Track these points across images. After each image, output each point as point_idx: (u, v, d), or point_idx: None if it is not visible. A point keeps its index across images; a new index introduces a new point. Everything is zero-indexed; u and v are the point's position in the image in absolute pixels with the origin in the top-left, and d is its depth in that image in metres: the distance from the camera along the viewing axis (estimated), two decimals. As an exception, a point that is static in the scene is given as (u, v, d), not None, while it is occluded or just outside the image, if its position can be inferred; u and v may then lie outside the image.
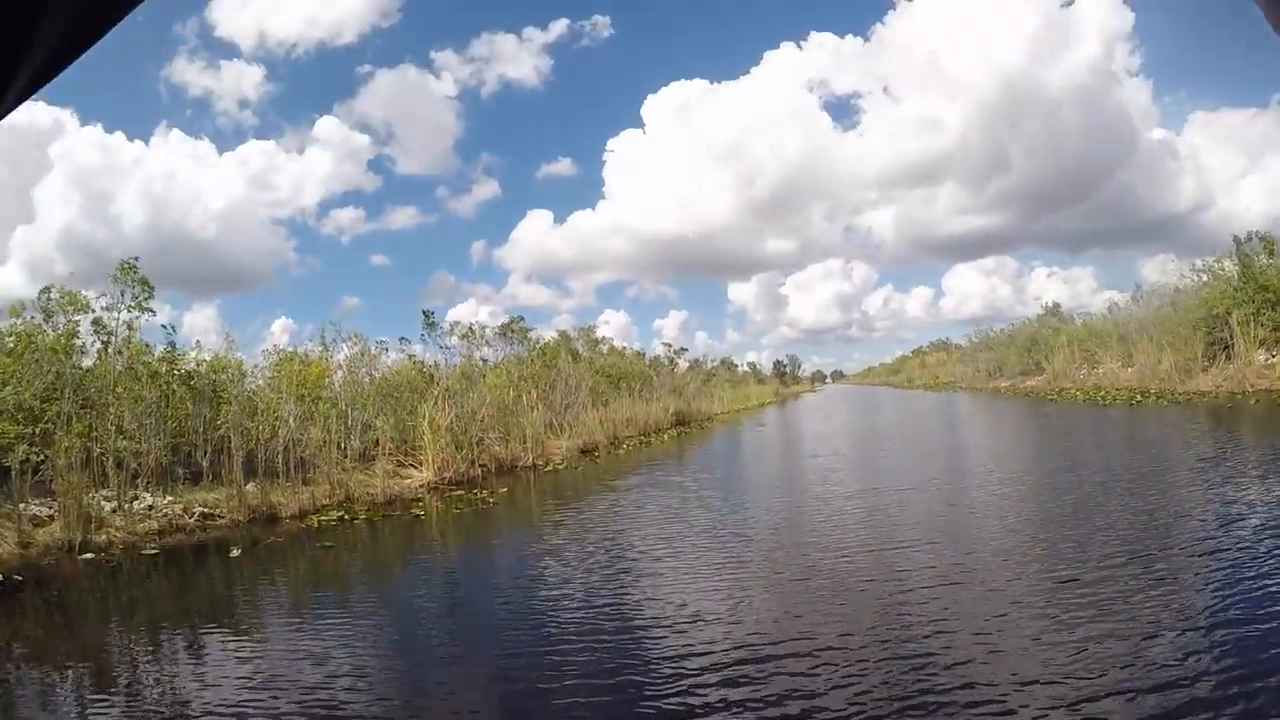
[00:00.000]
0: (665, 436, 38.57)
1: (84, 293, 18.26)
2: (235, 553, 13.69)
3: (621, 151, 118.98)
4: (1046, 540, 9.62)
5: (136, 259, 18.60)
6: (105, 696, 6.97)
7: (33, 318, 17.69)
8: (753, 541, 11.31)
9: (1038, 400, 35.92)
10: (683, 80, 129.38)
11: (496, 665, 7.03)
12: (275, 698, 6.40)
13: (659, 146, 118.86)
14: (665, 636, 7.16)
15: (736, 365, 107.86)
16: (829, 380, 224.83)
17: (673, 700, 5.66)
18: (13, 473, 14.28)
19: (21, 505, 14.12)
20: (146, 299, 18.76)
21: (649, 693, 5.84)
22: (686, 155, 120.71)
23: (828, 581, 8.49)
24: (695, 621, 7.47)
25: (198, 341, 21.41)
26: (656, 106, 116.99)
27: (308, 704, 6.20)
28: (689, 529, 12.77)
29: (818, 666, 5.98)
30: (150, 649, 8.78)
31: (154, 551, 14.01)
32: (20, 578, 11.97)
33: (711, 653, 6.55)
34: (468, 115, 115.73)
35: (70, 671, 7.95)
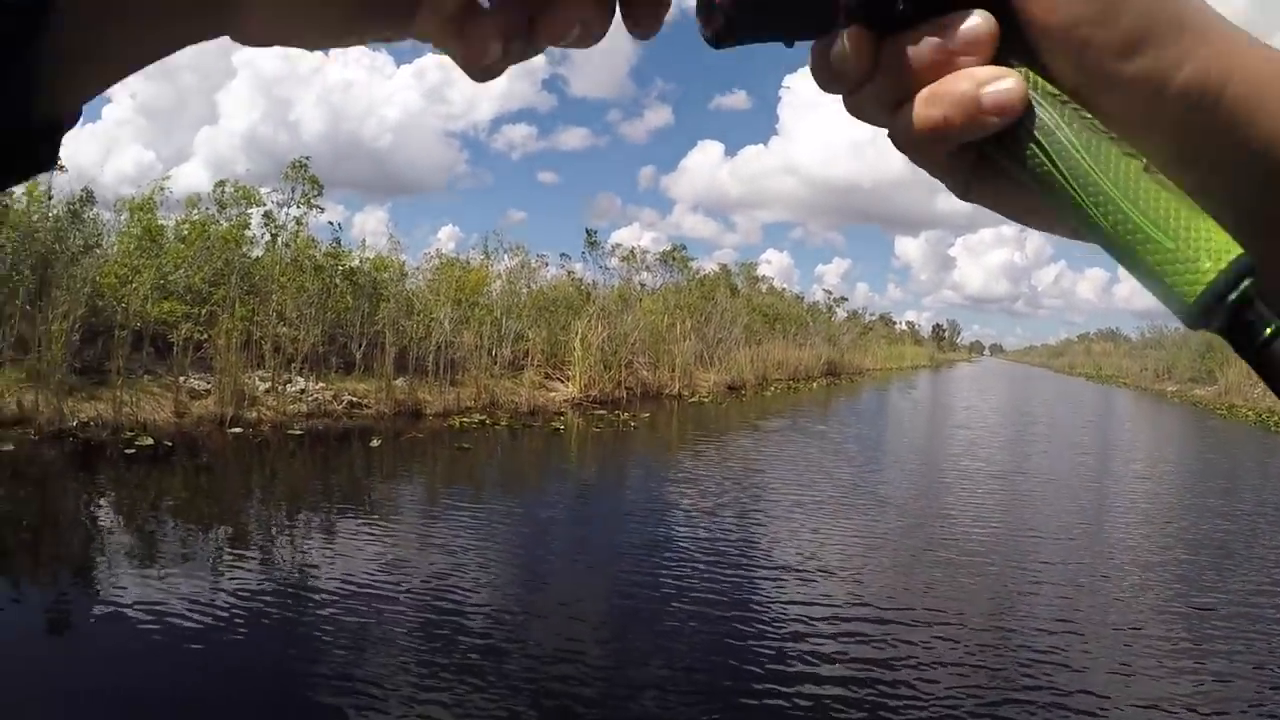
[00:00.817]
0: (814, 385, 37.29)
1: (257, 188, 18.68)
2: (376, 443, 13.60)
3: (798, 89, 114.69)
4: (1189, 563, 8.53)
5: (307, 158, 18.86)
6: (238, 555, 7.11)
7: (207, 209, 18.24)
8: (888, 504, 10.61)
9: (1204, 412, 32.23)
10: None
11: (614, 582, 6.86)
12: (398, 580, 6.39)
13: None
14: (784, 582, 6.82)
15: (895, 322, 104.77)
16: (987, 353, 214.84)
17: (777, 645, 5.35)
18: (175, 348, 14.67)
19: (181, 378, 14.53)
20: (315, 196, 19.04)
21: (757, 632, 5.56)
22: None
23: (956, 557, 7.90)
24: (817, 573, 7.12)
25: (364, 240, 21.57)
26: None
27: (428, 589, 6.17)
28: (826, 480, 12.11)
29: (930, 640, 5.59)
30: (285, 520, 8.82)
31: (299, 432, 14.12)
32: (171, 444, 12.19)
33: (828, 606, 6.23)
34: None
35: (209, 532, 8.02)
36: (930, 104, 0.35)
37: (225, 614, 5.49)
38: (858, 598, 6.44)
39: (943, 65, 0.34)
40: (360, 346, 18.18)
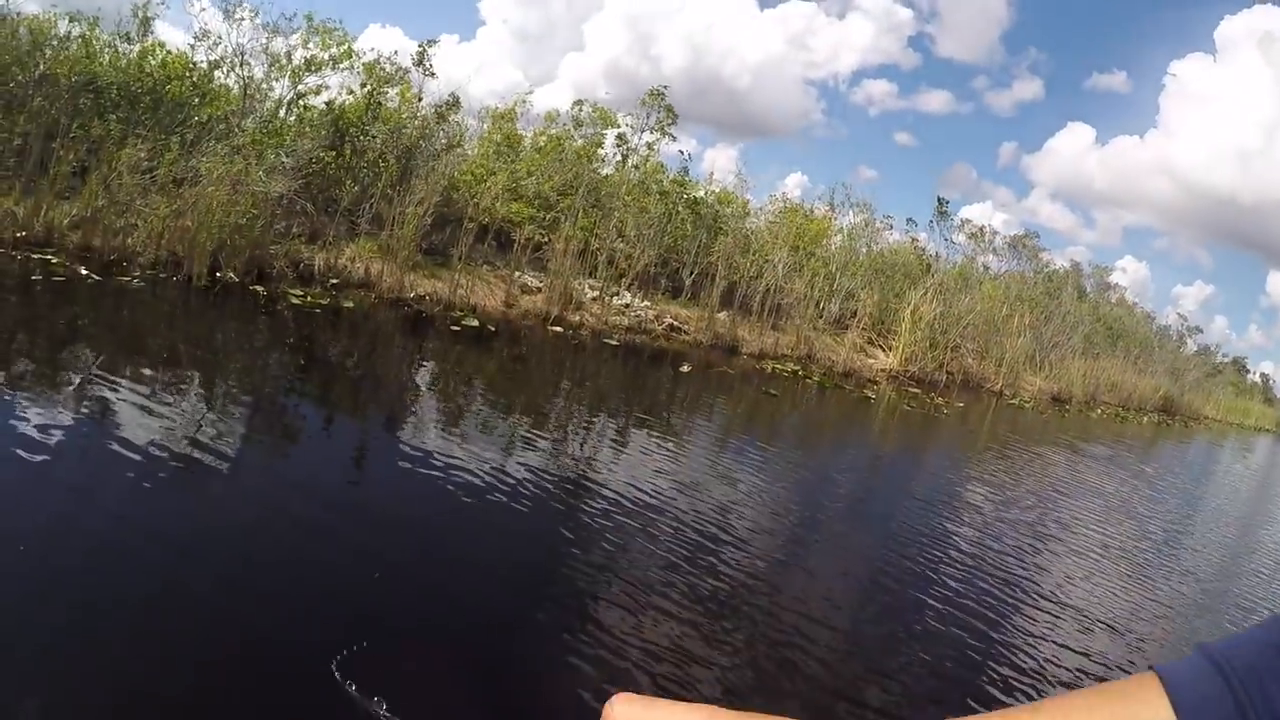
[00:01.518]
0: (1144, 419, 33.26)
1: (613, 110, 18.73)
2: (687, 368, 13.25)
3: (1185, 77, 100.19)
4: None
5: (666, 87, 18.66)
6: (528, 439, 7.21)
7: (564, 125, 18.50)
8: (1190, 574, 9.10)
9: None
10: (1271, 3, 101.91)
11: (869, 563, 6.50)
12: (666, 500, 6.29)
13: (1231, 81, 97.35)
14: (1052, 619, 6.08)
15: (1248, 370, 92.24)
16: None
17: (1015, 675, 4.81)
18: (514, 245, 15.03)
19: (517, 273, 14.89)
20: (670, 124, 18.76)
21: (1004, 660, 5.03)
22: (1264, 98, 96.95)
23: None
24: (1083, 630, 6.19)
25: (712, 174, 21.35)
26: (1233, 31, 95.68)
27: (693, 517, 6.04)
28: (1126, 532, 10.57)
29: None
30: (580, 418, 8.81)
31: (615, 343, 13.98)
32: (495, 329, 12.50)
33: (1091, 661, 5.49)
34: (1020, 3, 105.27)
35: (507, 412, 8.26)
36: None
37: (502, 485, 5.64)
38: (1123, 655, 5.74)
39: None
40: (691, 274, 17.97)
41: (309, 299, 10.78)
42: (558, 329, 13.83)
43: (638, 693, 0.53)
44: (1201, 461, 26.56)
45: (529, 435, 7.30)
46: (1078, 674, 5.20)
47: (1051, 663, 5.25)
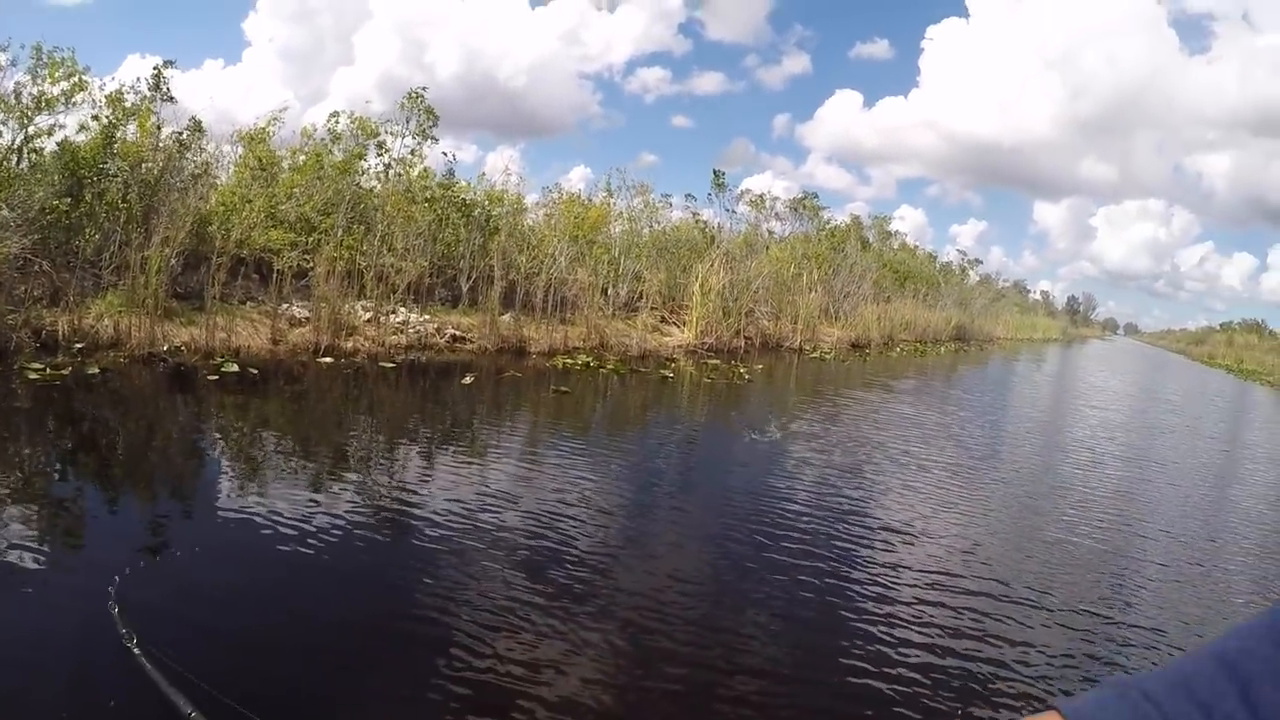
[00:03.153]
0: (942, 350, 34.52)
1: (370, 119, 17.49)
2: (469, 379, 12.28)
3: (941, 40, 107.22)
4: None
5: (424, 89, 17.62)
6: (306, 486, 6.55)
7: (322, 140, 17.18)
8: (1007, 477, 9.88)
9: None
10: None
11: (703, 534, 6.43)
12: (493, 509, 6.19)
13: (983, 40, 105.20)
14: (888, 544, 6.41)
15: (1029, 291, 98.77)
16: (1120, 331, 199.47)
17: (868, 602, 5.11)
18: (274, 275, 13.77)
19: (284, 306, 13.62)
20: (431, 126, 17.71)
21: (849, 590, 5.30)
22: (1012, 54, 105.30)
23: (1065, 535, 7.27)
24: (913, 541, 6.63)
25: (482, 173, 20.34)
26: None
27: (524, 522, 5.95)
28: (941, 451, 11.01)
29: (1013, 611, 5.25)
30: (360, 453, 8.11)
31: (392, 365, 12.93)
32: (257, 370, 11.26)
33: (919, 571, 5.85)
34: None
35: (269, 457, 7.52)
36: None
37: (296, 537, 5.20)
38: (943, 566, 6.02)
39: None
40: (469, 280, 16.86)
41: (48, 371, 9.42)
42: (327, 360, 12.61)
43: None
44: (1000, 376, 27.64)
45: (299, 486, 6.49)
46: (941, 594, 5.39)
47: (915, 592, 5.38)
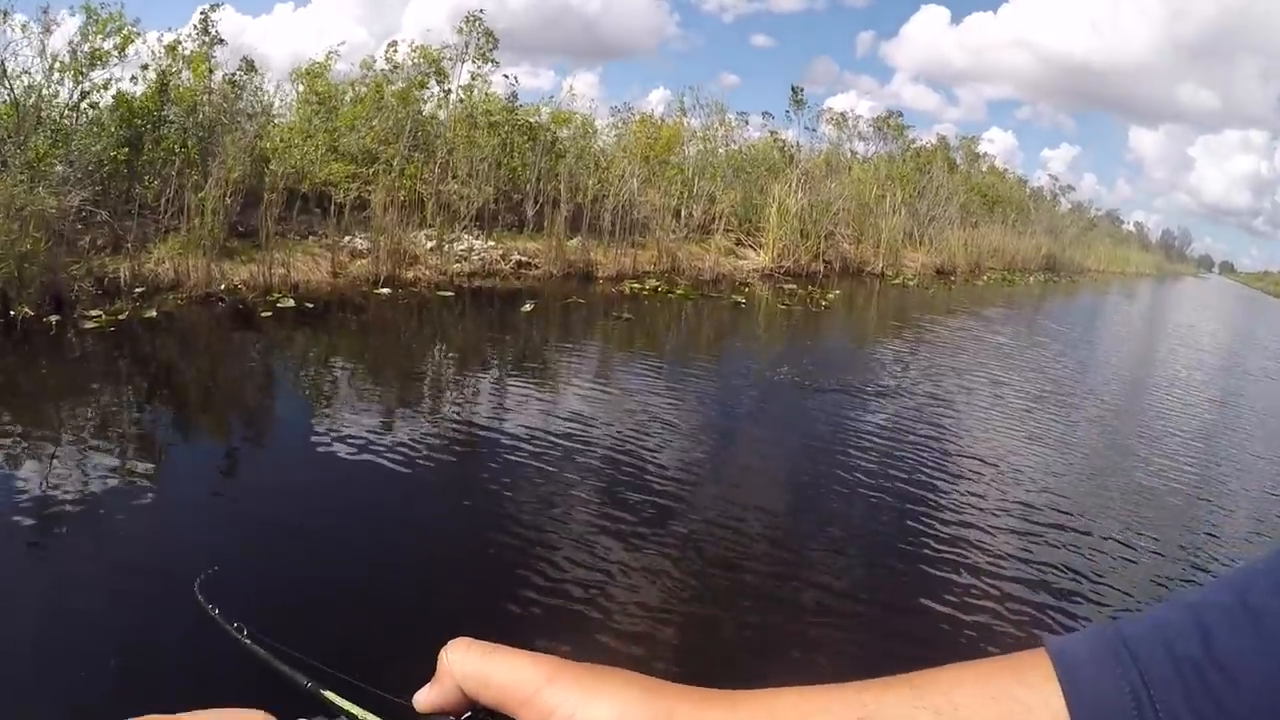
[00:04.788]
0: (1031, 279, 32.36)
1: (429, 45, 16.53)
2: (528, 307, 11.30)
3: None
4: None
5: (481, 11, 16.64)
6: (319, 418, 6.23)
7: (381, 71, 16.33)
8: (1087, 420, 9.06)
9: None
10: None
11: (794, 464, 6.05)
12: (561, 441, 5.77)
13: None
14: (958, 483, 5.93)
15: (1122, 221, 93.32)
16: (1216, 270, 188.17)
17: (944, 533, 4.83)
18: (332, 208, 13.06)
19: (346, 239, 12.91)
20: (491, 49, 16.68)
21: (926, 522, 4.97)
22: None
23: (1140, 480, 6.74)
24: (996, 475, 6.30)
25: (550, 96, 19.20)
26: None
27: (592, 452, 5.63)
28: (1027, 386, 10.40)
29: (1090, 547, 4.93)
30: (384, 384, 7.65)
31: (448, 294, 12.06)
32: (311, 305, 10.63)
33: (999, 504, 5.57)
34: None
35: (304, 393, 7.21)
36: None
37: (369, 465, 5.06)
38: (1041, 498, 5.78)
39: None
40: (535, 205, 15.86)
41: (104, 318, 8.89)
42: (385, 290, 11.83)
43: (486, 637, 0.49)
44: (1091, 310, 25.69)
45: (350, 422, 6.01)
46: (1020, 527, 5.11)
47: (994, 523, 5.13)
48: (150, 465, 4.99)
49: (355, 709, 0.48)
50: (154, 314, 9.52)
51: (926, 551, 4.54)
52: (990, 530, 4.98)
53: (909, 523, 4.90)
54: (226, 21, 14.02)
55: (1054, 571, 4.50)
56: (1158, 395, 11.12)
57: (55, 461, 4.89)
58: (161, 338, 8.93)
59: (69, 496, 4.32)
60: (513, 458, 5.35)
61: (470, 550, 4.07)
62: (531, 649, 0.45)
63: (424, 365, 8.46)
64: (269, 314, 9.98)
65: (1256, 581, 0.45)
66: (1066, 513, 5.51)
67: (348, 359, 8.61)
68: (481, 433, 5.92)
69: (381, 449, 5.31)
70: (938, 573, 4.27)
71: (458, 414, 6.50)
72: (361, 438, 5.49)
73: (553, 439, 5.73)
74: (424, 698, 0.49)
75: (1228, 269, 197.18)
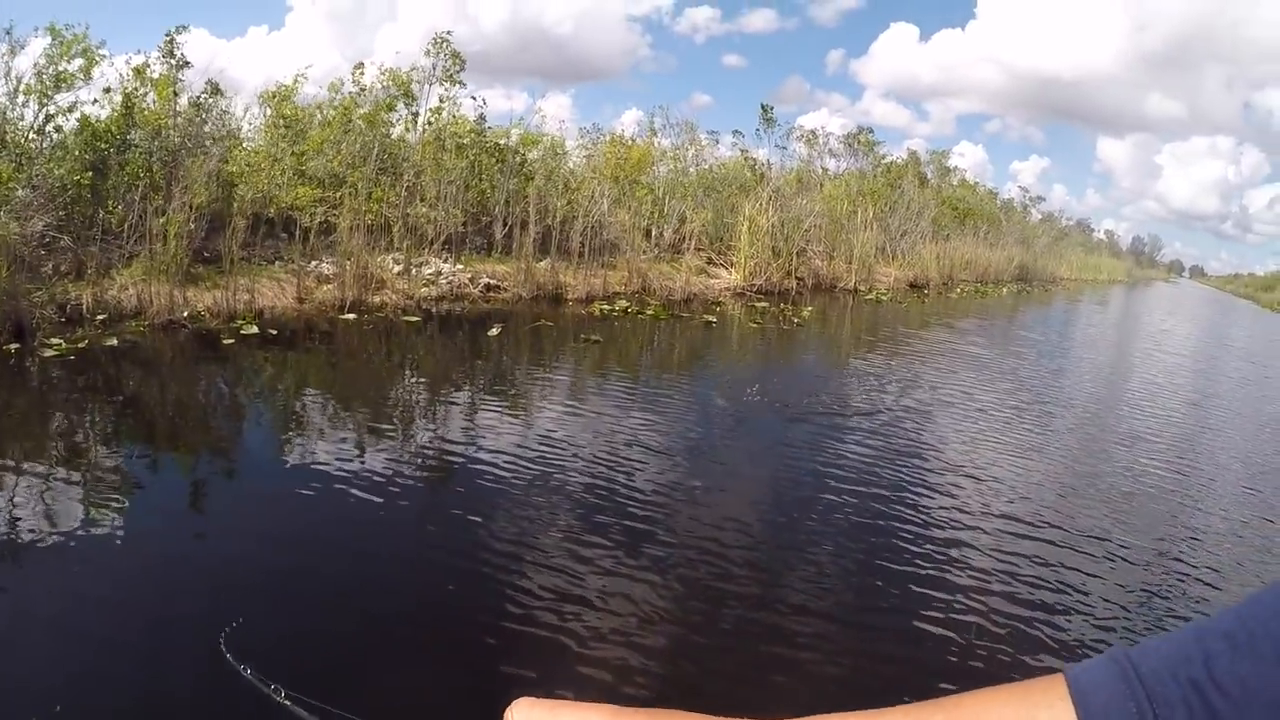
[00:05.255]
0: (1004, 290, 32.40)
1: (399, 68, 16.37)
2: (494, 331, 11.12)
3: None
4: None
5: (449, 32, 16.43)
6: (265, 446, 6.29)
7: (349, 94, 16.11)
8: (1066, 428, 8.99)
9: None
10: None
11: (771, 485, 5.98)
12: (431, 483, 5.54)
13: None
14: (937, 497, 5.84)
15: (1093, 230, 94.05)
16: (1186, 274, 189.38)
17: (927, 546, 4.80)
18: (296, 232, 12.99)
19: (313, 264, 12.72)
20: (458, 71, 16.46)
21: (907, 532, 4.98)
22: None
23: (1122, 486, 6.71)
24: (976, 486, 6.20)
25: (520, 118, 19.06)
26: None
27: (501, 482, 5.42)
28: (1004, 396, 10.33)
29: (1072, 557, 4.87)
30: (334, 412, 7.48)
31: (415, 319, 11.87)
32: (275, 331, 10.43)
33: (981, 516, 5.50)
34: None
35: (243, 422, 7.16)
36: None
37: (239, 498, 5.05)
38: (1022, 508, 5.73)
39: None
40: (504, 227, 15.66)
41: (65, 346, 8.76)
42: (350, 316, 11.64)
43: (544, 689, 0.50)
44: (1064, 318, 25.74)
45: (300, 451, 5.99)
46: (1003, 539, 5.06)
47: (976, 537, 5.06)
48: (112, 501, 4.81)
49: None
50: (115, 341, 9.35)
51: (912, 570, 4.48)
52: (976, 546, 4.92)
53: (892, 540, 4.84)
54: (199, 45, 13.85)
55: (1046, 586, 4.45)
56: (1134, 401, 11.11)
57: (14, 498, 4.74)
58: (122, 365, 8.71)
59: (32, 536, 4.21)
60: (479, 485, 5.30)
61: (468, 584, 3.97)
62: (532, 684, 0.51)
63: (386, 393, 8.26)
64: (231, 341, 9.77)
65: (1256, 610, 0.48)
66: (1054, 525, 5.45)
67: (308, 387, 8.47)
68: (445, 461, 5.84)
69: (346, 480, 5.20)
70: (924, 592, 4.22)
71: (417, 445, 6.34)
72: (321, 470, 5.38)
73: (519, 469, 5.59)
74: None
75: (1198, 273, 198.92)
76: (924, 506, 5.53)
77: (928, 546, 4.79)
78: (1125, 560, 4.97)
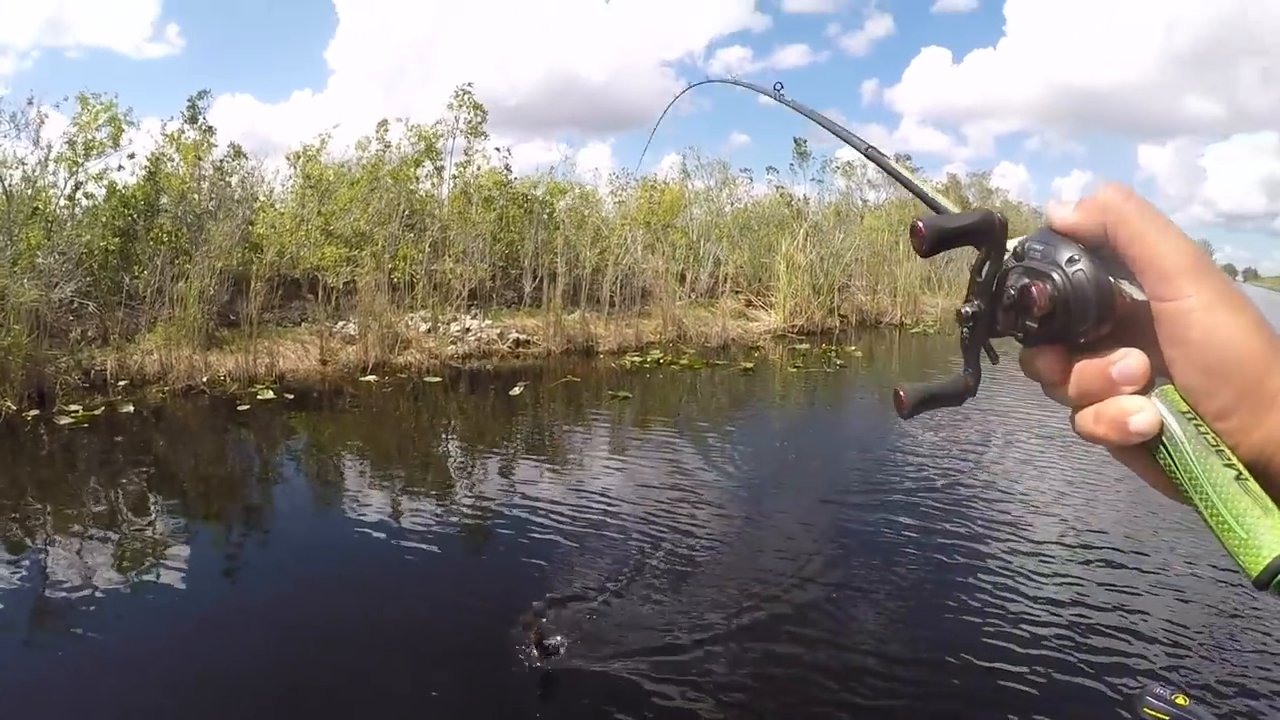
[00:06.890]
0: (1058, 308, 30.97)
1: (423, 125, 15.95)
2: (517, 390, 10.39)
3: None
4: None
5: (470, 84, 15.98)
6: (257, 517, 6.22)
7: (376, 151, 15.77)
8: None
9: None
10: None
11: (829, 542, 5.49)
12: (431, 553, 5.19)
13: None
14: (995, 545, 5.34)
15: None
16: (1240, 278, 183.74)
17: (983, 599, 4.46)
18: (320, 292, 12.56)
19: (339, 324, 12.28)
20: (480, 122, 15.98)
21: (961, 587, 4.62)
22: None
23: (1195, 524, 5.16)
24: (1039, 534, 5.60)
25: (552, 168, 18.51)
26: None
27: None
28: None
29: (1148, 596, 4.57)
30: (337, 483, 7.17)
31: (437, 380, 11.19)
32: (291, 396, 10.00)
33: (1045, 560, 5.08)
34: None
35: (244, 490, 7.03)
36: (1095, 421, 0.46)
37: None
38: (1093, 553, 5.26)
39: (1109, 388, 0.46)
40: (534, 279, 15.02)
41: (81, 413, 8.61)
42: (372, 378, 10.95)
43: None
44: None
45: (291, 521, 5.97)
46: (1074, 585, 4.76)
47: (1042, 586, 4.72)
48: (110, 576, 4.72)
49: None
50: (130, 408, 9.13)
51: (979, 613, 4.32)
52: (1037, 594, 4.61)
53: (958, 579, 4.73)
54: (244, 110, 13.74)
55: (1124, 622, 4.24)
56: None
57: (16, 569, 4.75)
58: (134, 433, 8.40)
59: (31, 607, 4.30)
60: (489, 555, 5.30)
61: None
62: None
63: (389, 463, 7.77)
64: (246, 407, 9.39)
65: None
66: (1114, 563, 5.15)
67: (316, 450, 8.28)
68: (447, 530, 5.64)
69: (353, 548, 5.18)
70: (995, 634, 4.08)
71: (423, 516, 5.92)
72: (322, 541, 5.41)
73: (537, 541, 5.27)
74: (1061, 213, 0.47)
75: (1252, 275, 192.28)
76: (991, 554, 5.22)
77: (997, 592, 4.58)
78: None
